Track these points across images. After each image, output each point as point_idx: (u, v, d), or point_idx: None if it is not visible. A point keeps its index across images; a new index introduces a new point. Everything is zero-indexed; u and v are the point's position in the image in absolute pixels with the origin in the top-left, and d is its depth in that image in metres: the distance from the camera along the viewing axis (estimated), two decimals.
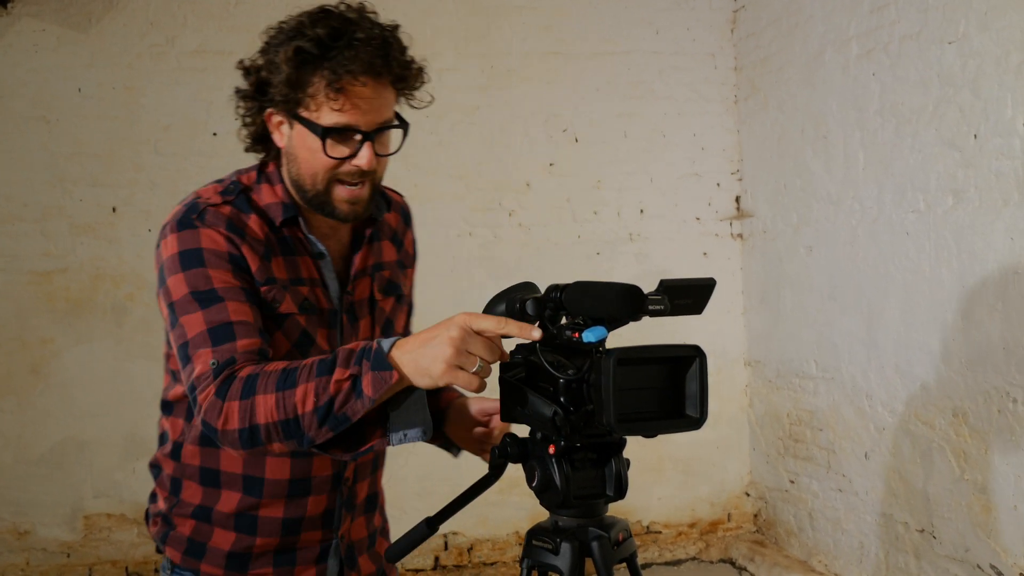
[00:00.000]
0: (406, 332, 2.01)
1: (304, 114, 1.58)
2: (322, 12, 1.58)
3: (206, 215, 1.60)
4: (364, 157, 1.59)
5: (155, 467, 1.78)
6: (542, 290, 1.53)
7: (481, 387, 1.40)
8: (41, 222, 4.46)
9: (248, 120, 1.69)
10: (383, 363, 1.41)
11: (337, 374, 1.42)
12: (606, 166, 4.90)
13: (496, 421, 1.73)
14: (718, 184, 5.03)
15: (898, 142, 3.68)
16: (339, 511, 1.76)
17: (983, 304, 3.25)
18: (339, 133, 1.57)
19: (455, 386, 1.39)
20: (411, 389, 1.47)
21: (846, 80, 4.02)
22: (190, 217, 1.60)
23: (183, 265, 1.57)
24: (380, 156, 1.62)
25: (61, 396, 4.46)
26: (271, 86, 1.59)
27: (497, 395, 1.53)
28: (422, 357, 1.39)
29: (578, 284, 1.43)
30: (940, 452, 3.49)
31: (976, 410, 3.30)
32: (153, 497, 1.80)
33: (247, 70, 1.65)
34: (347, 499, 1.77)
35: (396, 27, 1.62)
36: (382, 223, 1.83)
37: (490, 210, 4.81)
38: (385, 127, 1.61)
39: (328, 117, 1.56)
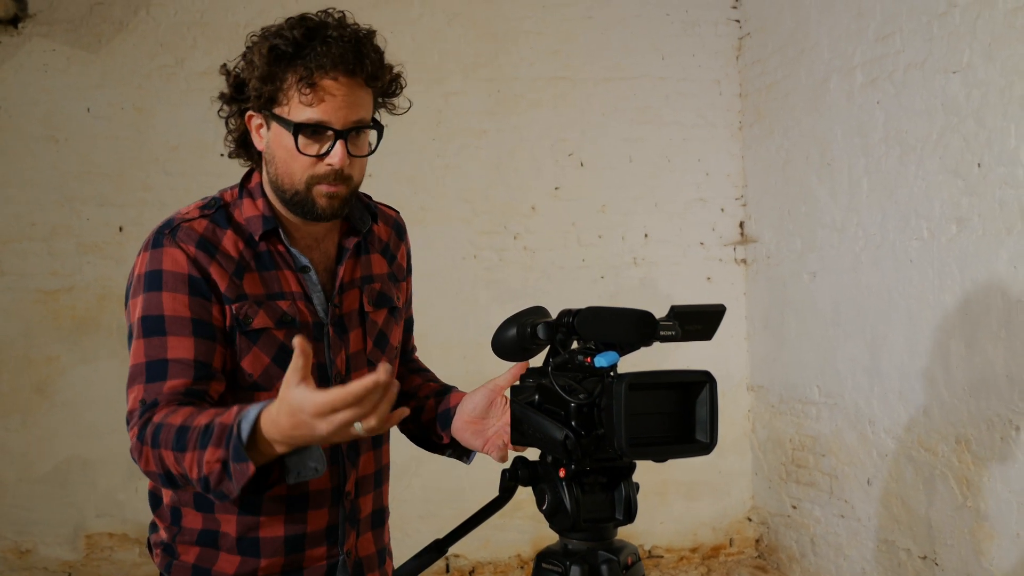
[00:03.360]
0: (411, 347, 2.02)
1: (278, 112, 1.59)
2: (300, 17, 1.61)
3: (178, 232, 1.63)
4: (337, 155, 1.58)
5: (153, 496, 1.77)
6: (552, 314, 1.55)
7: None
8: (48, 241, 4.48)
9: (231, 125, 1.71)
10: (240, 455, 1.38)
11: (208, 454, 1.41)
12: (611, 190, 4.93)
13: (497, 396, 1.73)
14: (722, 209, 5.05)
15: (902, 170, 3.70)
16: (343, 526, 1.74)
17: (986, 332, 3.26)
18: (311, 130, 1.57)
19: None
20: None
21: (851, 107, 4.05)
22: (161, 236, 1.63)
23: (145, 287, 1.60)
24: (354, 156, 1.61)
25: (66, 415, 4.46)
26: (247, 85, 1.62)
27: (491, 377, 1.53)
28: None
29: (591, 309, 1.44)
30: (943, 479, 3.49)
31: (979, 437, 3.30)
32: (154, 527, 1.78)
33: (228, 73, 1.68)
34: (350, 513, 1.75)
35: (372, 32, 1.64)
36: (371, 236, 1.83)
37: (496, 233, 4.83)
38: (358, 127, 1.61)
39: (300, 113, 1.57)
